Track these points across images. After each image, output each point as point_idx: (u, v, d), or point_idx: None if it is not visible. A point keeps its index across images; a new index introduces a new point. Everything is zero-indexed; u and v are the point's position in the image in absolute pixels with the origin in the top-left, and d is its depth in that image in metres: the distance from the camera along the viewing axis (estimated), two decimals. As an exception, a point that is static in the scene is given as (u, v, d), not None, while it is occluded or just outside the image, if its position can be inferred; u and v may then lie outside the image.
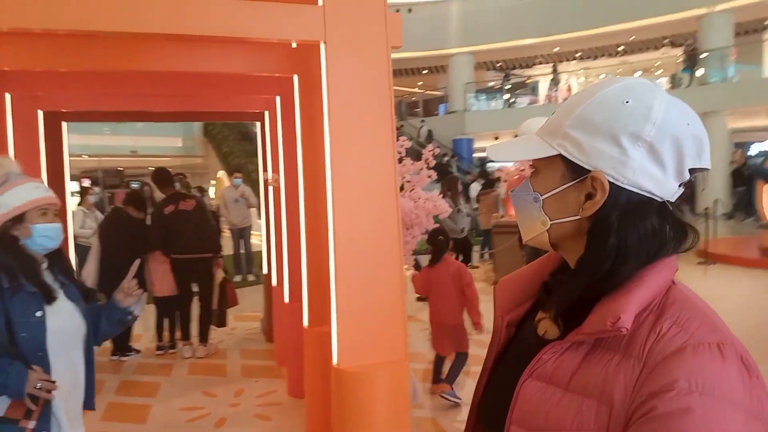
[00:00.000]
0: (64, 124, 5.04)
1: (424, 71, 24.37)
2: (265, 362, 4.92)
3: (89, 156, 20.35)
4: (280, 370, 4.63)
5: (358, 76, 2.59)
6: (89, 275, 5.11)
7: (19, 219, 1.88)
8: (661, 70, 22.03)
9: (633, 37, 19.98)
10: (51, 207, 1.97)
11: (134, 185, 26.92)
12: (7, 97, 3.65)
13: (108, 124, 17.77)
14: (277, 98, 4.10)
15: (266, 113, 4.85)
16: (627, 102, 0.71)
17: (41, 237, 1.90)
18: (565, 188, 0.75)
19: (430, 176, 4.15)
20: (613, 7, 18.08)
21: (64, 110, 4.77)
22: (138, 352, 5.35)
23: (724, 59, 17.25)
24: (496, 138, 21.08)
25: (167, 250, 5.07)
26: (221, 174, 16.82)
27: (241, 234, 8.71)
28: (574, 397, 0.69)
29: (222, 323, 5.48)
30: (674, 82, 18.43)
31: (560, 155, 0.75)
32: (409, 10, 19.72)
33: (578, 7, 18.62)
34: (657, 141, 0.70)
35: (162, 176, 5.40)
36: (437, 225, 4.27)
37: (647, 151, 0.70)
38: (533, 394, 0.73)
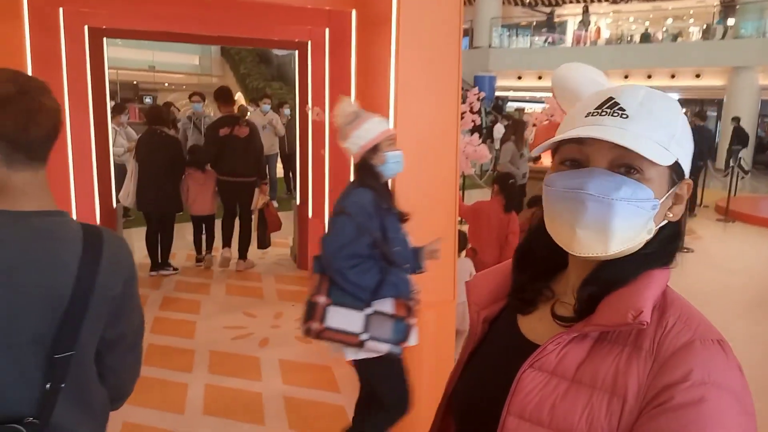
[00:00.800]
0: (104, 40, 5.02)
1: (450, 2, 23.51)
2: (298, 288, 5.13)
3: (109, 68, 20.13)
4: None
5: (428, 19, 2.58)
6: (127, 195, 5.28)
7: (375, 149, 2.23)
8: (693, 20, 21.24)
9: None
10: (394, 137, 2.32)
11: (147, 100, 26.71)
12: (60, 11, 3.65)
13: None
14: (326, 30, 4.06)
15: (309, 43, 4.80)
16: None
17: (393, 163, 2.27)
18: (669, 194, 0.76)
19: (474, 121, 4.17)
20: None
21: (107, 27, 4.74)
22: (176, 269, 5.59)
23: (762, 12, 16.58)
24: (519, 77, 20.65)
25: (216, 169, 5.42)
26: (239, 96, 16.66)
27: (267, 161, 8.79)
28: (582, 388, 0.71)
29: (264, 245, 5.77)
30: (707, 34, 17.83)
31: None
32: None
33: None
34: None
35: (224, 94, 5.59)
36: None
37: None
38: (535, 385, 0.74)
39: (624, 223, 0.72)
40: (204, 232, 5.72)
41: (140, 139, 5.53)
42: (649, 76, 18.52)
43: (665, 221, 0.78)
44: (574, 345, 0.74)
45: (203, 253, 5.75)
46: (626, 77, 18.63)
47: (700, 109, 11.23)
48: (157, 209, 5.32)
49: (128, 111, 7.94)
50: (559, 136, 0.75)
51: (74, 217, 3.79)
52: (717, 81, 17.66)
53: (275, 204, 6.37)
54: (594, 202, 0.72)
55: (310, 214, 5.17)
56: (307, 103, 4.98)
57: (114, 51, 18.73)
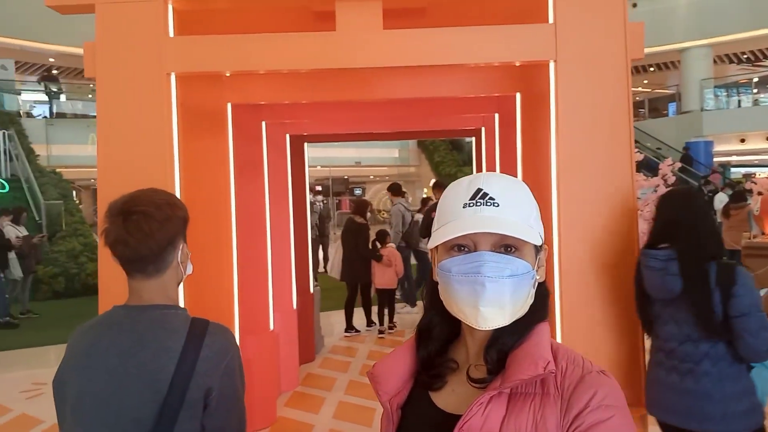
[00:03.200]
0: (305, 145, 5.70)
1: (651, 68, 22.22)
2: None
3: (322, 166, 22.79)
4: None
5: (591, 94, 2.44)
6: (334, 267, 7.13)
7: None
8: None
9: None
10: None
11: (357, 191, 29.41)
12: (263, 124, 4.24)
13: (335, 138, 19.76)
14: (496, 115, 4.09)
15: (483, 129, 4.87)
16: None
17: None
18: (537, 262, 0.90)
19: (667, 194, 3.73)
20: None
21: (306, 133, 5.38)
22: (358, 331, 6.82)
23: None
24: (743, 140, 18.27)
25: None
26: (433, 182, 17.42)
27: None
28: None
29: None
30: None
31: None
32: (634, 5, 18.16)
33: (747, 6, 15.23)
34: None
35: (395, 187, 7.66)
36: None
37: None
38: None
39: (516, 295, 0.85)
40: (388, 303, 6.86)
41: (344, 226, 6.99)
42: None
43: (537, 283, 0.91)
44: (493, 404, 0.83)
45: (384, 324, 6.83)
46: None
47: None
48: (351, 280, 6.75)
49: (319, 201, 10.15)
50: (454, 233, 0.85)
51: (271, 302, 4.24)
52: None
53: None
54: (491, 282, 0.84)
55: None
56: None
57: (325, 152, 21.33)
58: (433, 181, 8.66)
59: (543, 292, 0.93)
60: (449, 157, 18.43)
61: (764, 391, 2.22)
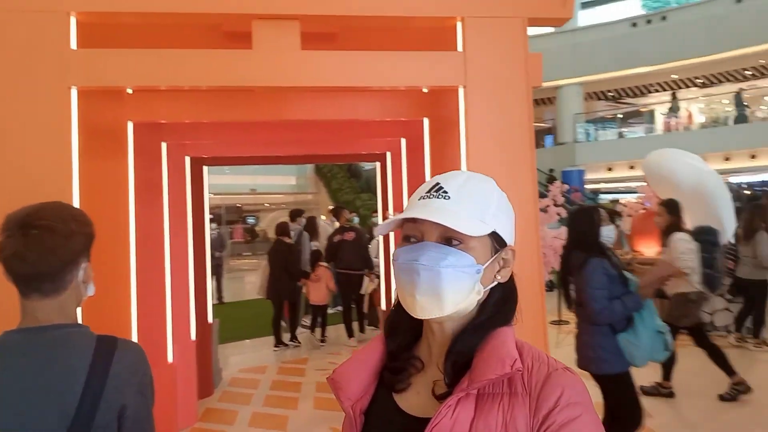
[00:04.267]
0: (205, 168, 5.48)
1: (530, 104, 23.98)
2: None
3: (214, 194, 22.01)
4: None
5: (498, 118, 2.59)
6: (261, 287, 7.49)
7: None
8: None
9: (762, 60, 18.46)
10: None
11: (250, 220, 28.59)
12: (164, 145, 4.04)
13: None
14: (402, 140, 4.20)
15: (388, 153, 4.98)
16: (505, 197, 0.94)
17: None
18: (493, 260, 0.90)
19: (559, 214, 4.04)
20: (739, 31, 16.87)
21: (206, 156, 5.19)
22: (287, 345, 7.26)
23: None
24: (610, 169, 20.15)
25: (334, 265, 7.33)
26: (332, 207, 17.47)
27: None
28: None
29: (374, 323, 7.53)
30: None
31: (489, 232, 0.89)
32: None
33: (699, 33, 17.60)
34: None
35: (338, 210, 8.31)
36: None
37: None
38: None
39: (452, 287, 0.84)
40: (320, 317, 7.44)
41: (271, 247, 7.37)
42: (753, 156, 17.43)
43: (495, 283, 0.91)
44: (461, 406, 0.82)
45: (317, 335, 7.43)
46: (727, 159, 17.67)
47: None
48: (277, 298, 7.08)
49: (214, 229, 10.07)
50: (394, 216, 0.90)
51: (169, 332, 3.98)
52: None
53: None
54: (425, 270, 0.84)
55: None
56: (387, 209, 5.08)
57: (219, 179, 20.66)
58: (330, 207, 9.17)
59: (505, 295, 0.92)
60: (347, 184, 18.59)
61: (631, 354, 3.13)
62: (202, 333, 5.12)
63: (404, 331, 0.96)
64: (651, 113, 21.48)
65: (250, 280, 16.28)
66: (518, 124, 2.59)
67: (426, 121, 3.36)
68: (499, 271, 0.91)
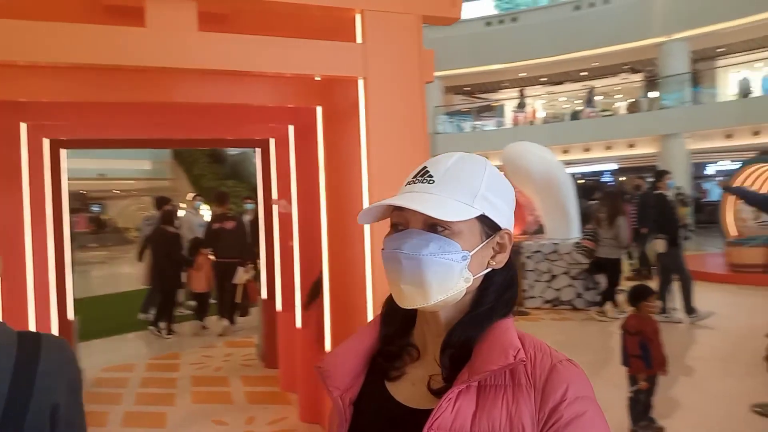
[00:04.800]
0: (62, 152, 4.99)
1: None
2: (268, 388, 4.91)
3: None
4: (286, 396, 4.63)
5: (396, 110, 2.70)
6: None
7: None
8: (621, 95, 22.97)
9: (595, 63, 20.81)
10: None
11: (95, 208, 26.12)
12: (23, 126, 3.63)
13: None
14: (290, 127, 4.18)
15: (272, 140, 4.91)
16: (504, 178, 0.89)
17: None
18: (484, 245, 0.85)
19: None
20: (578, 35, 18.86)
21: (65, 138, 4.73)
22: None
23: (681, 84, 18.15)
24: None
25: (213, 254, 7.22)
26: (190, 196, 16.66)
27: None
28: None
29: (245, 313, 7.47)
30: (634, 107, 19.29)
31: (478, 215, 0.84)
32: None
33: (544, 35, 19.36)
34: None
35: (221, 197, 7.60)
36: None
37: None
38: None
39: (436, 275, 0.80)
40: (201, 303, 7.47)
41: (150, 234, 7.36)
42: (587, 149, 19.66)
43: (489, 269, 0.86)
44: (462, 398, 0.78)
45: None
46: (565, 152, 19.71)
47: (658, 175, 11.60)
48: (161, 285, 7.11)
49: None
50: (373, 204, 0.85)
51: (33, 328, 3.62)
52: (650, 149, 18.88)
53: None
54: (407, 259, 0.81)
55: (279, 307, 5.05)
56: (272, 197, 5.02)
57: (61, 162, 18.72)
58: (192, 194, 9.10)
59: (505, 282, 0.88)
60: (210, 170, 17.81)
61: None
62: (63, 330, 4.69)
63: (401, 316, 0.91)
64: (502, 108, 23.25)
65: (98, 274, 15.09)
66: (414, 117, 2.73)
67: (319, 110, 3.39)
68: (493, 256, 0.86)
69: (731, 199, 10.27)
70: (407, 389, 0.87)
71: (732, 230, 10.22)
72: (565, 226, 7.78)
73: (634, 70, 21.35)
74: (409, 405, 0.85)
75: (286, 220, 4.69)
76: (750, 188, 7.81)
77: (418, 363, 0.89)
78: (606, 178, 22.61)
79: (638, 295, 3.72)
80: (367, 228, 2.67)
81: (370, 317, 2.67)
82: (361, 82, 2.66)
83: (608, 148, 19.82)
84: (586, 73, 22.18)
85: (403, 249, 0.81)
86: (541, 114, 21.84)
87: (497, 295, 0.86)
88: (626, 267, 9.47)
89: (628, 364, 3.64)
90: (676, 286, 6.75)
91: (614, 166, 22.46)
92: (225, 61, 2.42)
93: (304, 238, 4.11)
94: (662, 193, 6.92)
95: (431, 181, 0.84)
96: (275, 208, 4.94)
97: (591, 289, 7.48)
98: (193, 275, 7.29)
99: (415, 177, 0.86)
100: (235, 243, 7.12)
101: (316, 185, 3.96)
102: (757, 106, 16.53)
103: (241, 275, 7.05)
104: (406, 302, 0.83)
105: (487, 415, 0.77)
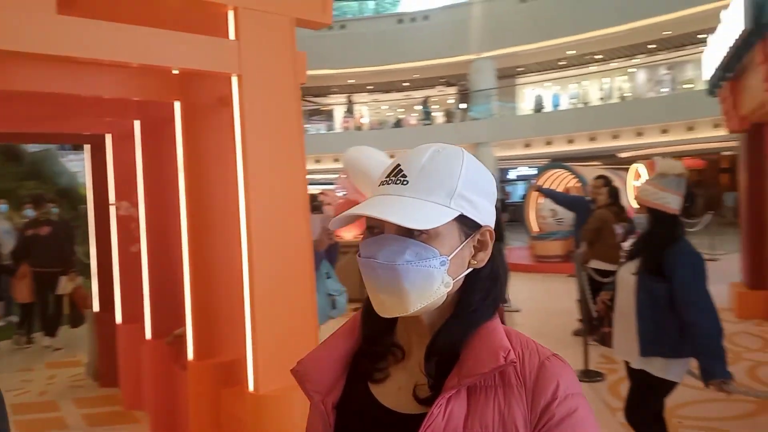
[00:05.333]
0: None
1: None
2: (110, 408, 4.48)
3: None
4: (132, 415, 4.28)
5: (271, 109, 2.70)
6: None
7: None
8: (438, 105, 24.91)
9: (416, 75, 22.27)
10: None
11: None
12: None
13: None
14: (136, 122, 3.88)
15: (108, 136, 4.49)
16: (484, 170, 0.84)
17: None
18: (464, 245, 0.80)
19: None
20: (401, 47, 20.04)
21: None
22: None
23: (489, 98, 20.28)
24: (318, 161, 21.57)
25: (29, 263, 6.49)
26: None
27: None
28: None
29: (77, 323, 6.73)
30: (450, 117, 21.09)
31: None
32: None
33: (370, 44, 20.23)
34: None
35: (38, 199, 7.01)
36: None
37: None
38: None
39: (414, 284, 0.76)
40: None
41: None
42: (411, 155, 20.96)
43: (470, 269, 0.82)
44: (453, 402, 0.76)
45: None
46: (392, 156, 20.79)
47: None
48: None
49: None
50: (346, 212, 0.79)
51: None
52: (464, 156, 20.76)
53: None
54: (383, 269, 0.76)
55: (119, 320, 4.63)
56: (108, 199, 4.58)
57: None
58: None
59: (490, 282, 0.84)
60: (4, 170, 15.44)
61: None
62: None
63: (379, 318, 0.85)
64: (332, 112, 23.74)
65: None
66: (290, 118, 2.75)
67: (177, 105, 3.22)
68: (474, 255, 0.82)
69: (533, 200, 11.79)
70: (393, 393, 0.83)
71: (534, 227, 11.71)
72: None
73: (449, 84, 23.27)
74: (397, 410, 0.81)
75: (126, 223, 4.34)
76: (555, 190, 8.99)
77: (403, 364, 0.85)
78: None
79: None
80: (243, 229, 2.62)
81: (249, 321, 2.64)
82: (235, 80, 2.62)
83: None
84: (408, 84, 23.62)
85: (377, 257, 0.76)
86: (366, 120, 22.77)
87: (481, 295, 0.83)
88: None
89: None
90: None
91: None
92: (88, 48, 2.22)
93: (155, 243, 3.85)
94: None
95: (405, 182, 0.78)
96: (113, 211, 4.53)
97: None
98: (16, 284, 6.67)
99: (388, 177, 0.80)
100: (53, 250, 6.48)
101: (170, 185, 3.75)
102: (548, 120, 19.20)
103: (66, 284, 6.46)
104: (385, 311, 0.79)
105: (480, 419, 0.75)
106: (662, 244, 2.60)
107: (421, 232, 0.77)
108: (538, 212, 11.71)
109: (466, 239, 0.81)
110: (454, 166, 0.80)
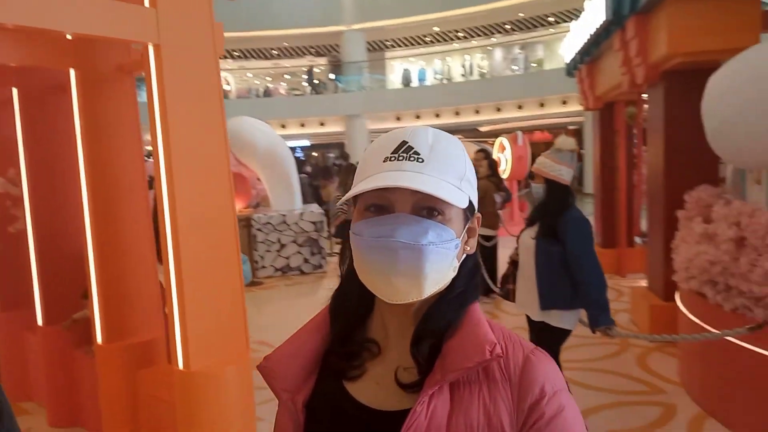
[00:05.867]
0: None
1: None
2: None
3: None
4: (19, 406, 3.95)
5: (191, 81, 2.62)
6: None
7: None
8: (306, 76, 24.63)
9: (286, 43, 21.79)
10: None
11: None
12: None
13: None
14: (14, 89, 3.49)
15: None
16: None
17: None
18: (465, 230, 0.79)
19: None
20: (269, 14, 19.43)
21: None
22: None
23: (360, 71, 20.50)
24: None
25: None
26: None
27: None
28: None
29: None
30: (320, 88, 21.04)
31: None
32: None
33: (239, 9, 19.35)
34: None
35: None
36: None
37: None
38: None
39: (435, 266, 0.72)
40: None
41: None
42: (283, 126, 20.63)
43: (464, 255, 0.80)
44: (436, 399, 0.72)
45: None
46: (283, 126, 20.38)
47: (341, 152, 13.01)
48: None
49: None
50: (365, 186, 0.72)
51: None
52: (337, 128, 20.91)
53: None
54: (405, 249, 0.71)
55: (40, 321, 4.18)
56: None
57: None
58: None
59: (472, 268, 0.83)
60: None
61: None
62: None
63: (353, 308, 0.83)
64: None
65: None
66: (210, 90, 2.68)
67: (73, 72, 2.97)
68: (467, 241, 0.80)
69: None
70: (371, 389, 0.79)
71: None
72: (290, 197, 8.24)
73: (319, 54, 23.08)
74: (375, 407, 0.77)
75: (1, 201, 3.91)
76: None
77: (379, 359, 0.81)
78: (298, 154, 24.13)
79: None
80: (166, 204, 2.54)
81: (176, 298, 2.58)
82: (151, 49, 2.50)
83: (302, 125, 21.17)
84: (276, 52, 23.04)
85: (398, 237, 0.71)
86: (228, 87, 21.90)
87: (467, 279, 0.81)
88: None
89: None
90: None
91: (307, 143, 24.12)
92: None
93: (42, 221, 3.54)
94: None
95: (420, 160, 0.73)
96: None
97: (316, 254, 8.19)
98: None
99: (397, 153, 0.75)
100: None
101: (60, 158, 3.47)
102: (416, 94, 19.93)
103: None
104: (399, 296, 0.73)
105: (464, 415, 0.72)
106: (556, 211, 2.96)
107: (439, 212, 0.74)
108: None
109: (466, 224, 0.79)
110: (457, 150, 0.79)
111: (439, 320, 0.77)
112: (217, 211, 2.72)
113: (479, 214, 0.83)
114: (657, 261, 4.81)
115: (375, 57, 22.14)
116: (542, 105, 19.09)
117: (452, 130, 21.30)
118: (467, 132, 21.99)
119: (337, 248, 9.51)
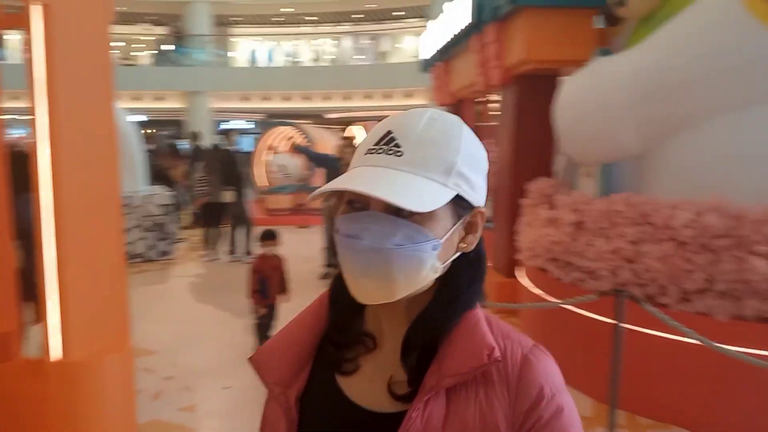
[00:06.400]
0: None
1: None
2: None
3: None
4: None
5: (81, 45, 2.41)
6: None
7: None
8: (144, 45, 22.75)
9: (123, 7, 19.90)
10: None
11: None
12: None
13: None
14: None
15: None
16: (480, 144, 0.76)
17: None
18: (456, 228, 0.72)
19: None
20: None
21: None
22: None
23: (204, 45, 19.47)
24: None
25: None
26: None
27: None
28: None
29: None
30: (159, 60, 19.61)
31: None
32: None
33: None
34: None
35: None
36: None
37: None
38: None
39: (404, 270, 0.68)
40: None
41: None
42: (136, 98, 18.91)
43: (458, 253, 0.74)
44: (432, 404, 0.70)
45: None
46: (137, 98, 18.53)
47: (195, 132, 12.10)
48: None
49: None
50: (333, 185, 0.68)
51: None
52: (177, 104, 19.63)
53: None
54: (371, 252, 0.67)
55: None
56: None
57: None
58: None
59: (474, 267, 0.77)
60: None
61: None
62: None
63: (350, 296, 0.75)
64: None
65: None
66: (100, 55, 2.49)
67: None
68: (464, 238, 0.75)
69: (260, 155, 12.08)
70: (363, 386, 0.76)
71: (262, 181, 12.03)
72: (133, 178, 7.61)
73: (158, 23, 21.43)
74: (367, 407, 0.75)
75: None
76: (309, 148, 9.29)
77: (374, 354, 0.78)
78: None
79: (262, 238, 4.36)
80: (47, 177, 2.30)
81: (56, 285, 2.35)
82: (38, 8, 2.25)
83: (136, 99, 19.53)
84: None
85: (362, 238, 0.67)
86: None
87: (465, 281, 0.76)
88: (188, 216, 10.04)
89: (250, 297, 4.24)
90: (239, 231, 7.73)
91: (143, 118, 22.30)
92: None
93: None
94: (230, 149, 7.72)
95: (398, 153, 0.68)
96: None
97: (163, 240, 7.69)
98: None
99: (377, 144, 0.70)
100: None
101: None
102: (264, 74, 19.47)
103: None
104: (366, 297, 0.70)
105: (460, 419, 0.70)
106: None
107: (411, 212, 0.67)
108: (267, 167, 12.05)
109: (458, 221, 0.73)
110: (453, 137, 0.71)
111: (431, 328, 0.73)
112: (102, 188, 2.54)
113: (482, 210, 0.75)
114: (502, 243, 5.39)
115: (221, 32, 21.17)
116: (388, 96, 19.83)
117: (302, 115, 21.25)
118: (314, 118, 22.10)
119: (189, 233, 9.03)
